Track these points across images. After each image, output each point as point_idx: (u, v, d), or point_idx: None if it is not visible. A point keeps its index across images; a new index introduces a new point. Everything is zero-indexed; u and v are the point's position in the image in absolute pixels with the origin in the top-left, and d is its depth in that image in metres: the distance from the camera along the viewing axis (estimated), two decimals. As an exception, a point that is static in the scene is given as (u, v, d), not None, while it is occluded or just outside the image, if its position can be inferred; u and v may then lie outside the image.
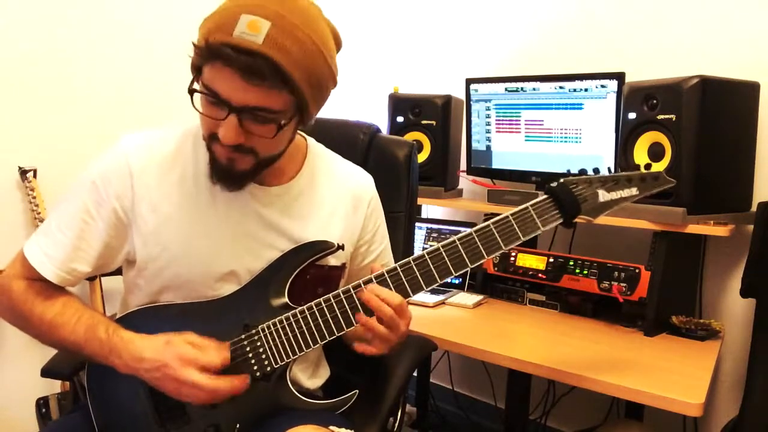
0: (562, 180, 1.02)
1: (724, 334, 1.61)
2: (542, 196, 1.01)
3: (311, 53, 0.87)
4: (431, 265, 0.97)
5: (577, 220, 1.01)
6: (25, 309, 0.98)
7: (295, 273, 1.02)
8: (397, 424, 1.27)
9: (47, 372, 1.22)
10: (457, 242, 0.98)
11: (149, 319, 1.00)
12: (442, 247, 0.98)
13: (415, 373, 2.03)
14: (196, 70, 0.89)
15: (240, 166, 0.94)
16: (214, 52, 0.84)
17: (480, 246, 0.98)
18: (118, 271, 1.08)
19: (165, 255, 0.99)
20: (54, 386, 1.72)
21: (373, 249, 1.15)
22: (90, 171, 0.99)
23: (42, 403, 1.69)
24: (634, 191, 1.05)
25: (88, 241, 0.98)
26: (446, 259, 0.97)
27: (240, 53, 0.82)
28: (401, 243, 1.30)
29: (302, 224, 1.05)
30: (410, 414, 2.26)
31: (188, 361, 0.90)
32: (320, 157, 1.11)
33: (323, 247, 1.03)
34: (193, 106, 0.89)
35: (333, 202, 1.09)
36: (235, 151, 0.91)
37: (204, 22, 0.87)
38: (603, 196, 1.03)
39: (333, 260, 1.07)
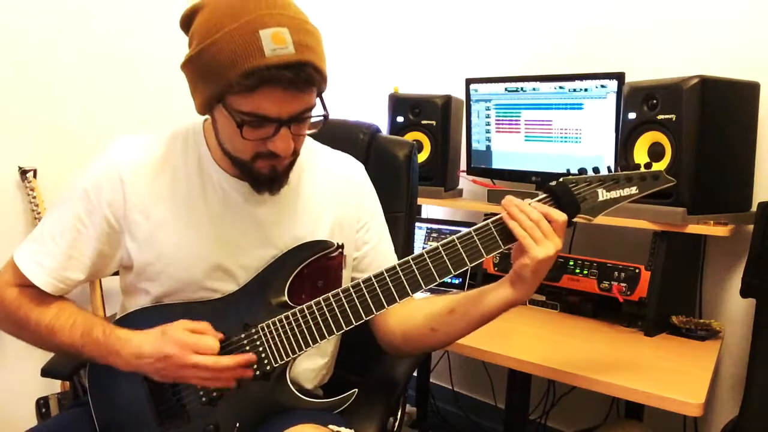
0: (561, 179, 1.01)
1: (724, 334, 1.61)
2: (541, 195, 1.01)
3: (320, 39, 0.89)
4: (430, 264, 0.97)
5: (576, 219, 1.01)
6: (20, 315, 0.98)
7: (294, 273, 1.02)
8: (397, 424, 1.27)
9: (47, 372, 1.22)
10: (457, 241, 0.98)
11: (148, 319, 0.99)
12: (442, 246, 0.98)
13: (415, 373, 2.03)
14: (216, 100, 0.87)
15: (280, 167, 0.95)
16: (261, 79, 0.82)
17: (479, 245, 0.98)
18: (118, 272, 1.08)
19: (161, 259, 0.99)
20: (54, 386, 1.72)
21: (370, 236, 1.13)
22: (81, 178, 0.98)
23: (42, 403, 1.69)
24: (633, 190, 1.05)
25: (80, 250, 0.98)
26: (445, 258, 0.97)
27: (283, 70, 0.82)
28: (401, 243, 1.30)
29: (293, 220, 1.05)
30: (410, 414, 2.26)
31: (187, 346, 0.90)
32: (307, 150, 1.10)
33: (323, 247, 1.03)
34: (243, 137, 0.87)
35: (323, 193, 1.08)
36: (282, 158, 0.92)
37: (211, 57, 0.83)
38: (602, 195, 1.02)
39: None
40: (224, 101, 0.86)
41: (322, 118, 0.93)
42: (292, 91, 0.85)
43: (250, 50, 0.81)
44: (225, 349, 0.96)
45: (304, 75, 0.84)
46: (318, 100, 0.91)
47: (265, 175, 0.95)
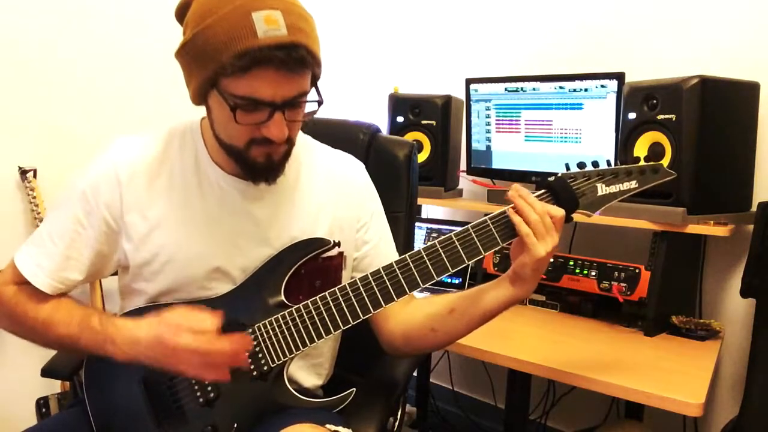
0: (559, 174, 1.00)
1: (724, 334, 1.61)
2: (540, 191, 0.99)
3: (313, 25, 0.89)
4: (428, 262, 0.97)
5: (575, 214, 1.00)
6: (18, 311, 0.98)
7: (290, 272, 1.01)
8: (397, 424, 1.27)
9: (47, 372, 1.22)
10: (454, 238, 0.97)
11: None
12: (439, 243, 0.97)
13: (415, 373, 2.03)
14: (210, 85, 0.87)
15: (276, 156, 0.94)
16: (254, 59, 0.82)
17: (477, 242, 0.97)
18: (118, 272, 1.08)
19: (158, 259, 0.99)
20: (54, 386, 1.72)
21: (370, 236, 1.13)
22: (80, 180, 0.99)
23: (42, 403, 1.69)
24: (633, 184, 1.02)
25: (79, 250, 0.98)
26: (443, 255, 0.97)
27: (276, 50, 0.82)
28: (401, 243, 1.29)
29: (291, 219, 1.05)
30: (410, 414, 2.26)
31: (181, 328, 0.88)
32: (307, 149, 1.10)
33: (318, 245, 1.03)
34: (236, 121, 0.87)
35: (322, 192, 1.08)
36: (277, 145, 0.92)
37: (205, 41, 0.84)
38: (602, 189, 1.01)
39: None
40: (218, 85, 0.86)
41: (316, 105, 0.93)
42: (285, 72, 0.85)
43: (242, 32, 0.82)
44: None
45: (296, 55, 0.84)
46: (313, 88, 0.91)
47: (261, 163, 0.94)
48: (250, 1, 0.83)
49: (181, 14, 0.91)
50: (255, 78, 0.84)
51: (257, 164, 0.94)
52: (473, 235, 0.97)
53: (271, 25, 0.82)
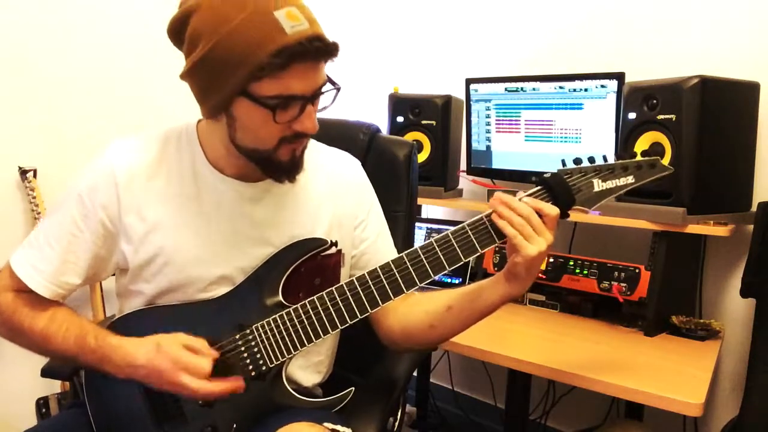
0: (556, 170, 0.99)
1: (724, 334, 1.61)
2: (535, 188, 0.98)
3: None
4: (425, 261, 0.97)
5: (572, 211, 0.98)
6: (15, 321, 0.98)
7: (287, 272, 1.01)
8: (397, 424, 1.27)
9: (47, 372, 1.22)
10: (451, 237, 0.97)
11: (144, 321, 1.00)
12: (436, 241, 0.97)
13: (415, 373, 2.03)
14: (238, 93, 0.86)
15: (298, 152, 0.96)
16: (293, 55, 0.83)
17: (474, 240, 0.96)
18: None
19: (157, 261, 0.99)
20: (54, 386, 1.73)
21: (368, 233, 1.13)
22: (77, 183, 0.98)
23: (42, 403, 1.69)
24: (630, 180, 1.01)
25: (76, 254, 0.98)
26: (440, 254, 0.96)
27: (308, 43, 0.83)
28: (401, 243, 1.29)
29: (291, 218, 1.04)
30: (410, 414, 2.26)
31: (178, 365, 0.89)
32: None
33: (315, 245, 1.03)
34: (275, 121, 0.87)
35: (321, 190, 1.08)
36: (301, 140, 0.93)
37: (230, 48, 0.83)
38: (598, 185, 0.99)
39: None
40: (248, 91, 0.86)
41: (335, 91, 0.93)
42: (317, 63, 0.87)
43: (272, 32, 0.82)
44: (222, 353, 0.96)
45: (328, 45, 0.86)
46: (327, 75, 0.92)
47: (286, 162, 0.94)
48: (266, 3, 0.83)
49: (178, 30, 0.89)
50: (292, 73, 0.85)
51: (282, 164, 0.95)
52: (470, 232, 0.97)
53: (294, 20, 0.83)
